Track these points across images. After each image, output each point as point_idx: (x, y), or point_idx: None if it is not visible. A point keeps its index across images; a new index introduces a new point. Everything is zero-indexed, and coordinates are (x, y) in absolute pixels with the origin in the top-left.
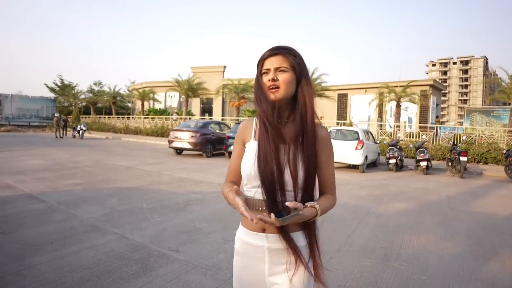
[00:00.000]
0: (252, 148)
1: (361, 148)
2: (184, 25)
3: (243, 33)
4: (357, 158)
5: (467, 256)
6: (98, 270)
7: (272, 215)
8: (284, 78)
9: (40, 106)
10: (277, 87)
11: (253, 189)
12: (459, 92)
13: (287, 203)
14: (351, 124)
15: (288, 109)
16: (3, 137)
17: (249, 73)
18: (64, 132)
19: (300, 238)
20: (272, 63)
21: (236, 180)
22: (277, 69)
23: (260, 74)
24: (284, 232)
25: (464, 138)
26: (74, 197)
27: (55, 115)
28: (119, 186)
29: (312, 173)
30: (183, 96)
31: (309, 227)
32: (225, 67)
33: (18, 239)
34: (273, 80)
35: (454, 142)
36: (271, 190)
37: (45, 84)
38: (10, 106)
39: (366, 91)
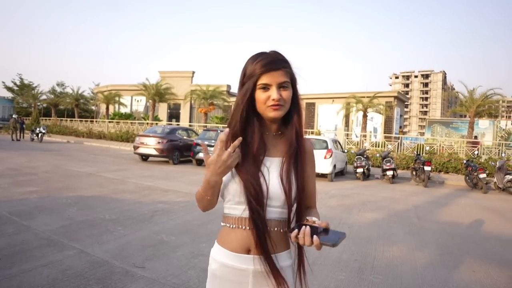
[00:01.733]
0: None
1: (330, 157)
2: (154, 29)
3: (212, 39)
4: (326, 167)
5: (438, 266)
6: None
7: (316, 237)
8: (286, 95)
9: None
10: (281, 105)
11: (239, 206)
12: (420, 104)
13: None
14: (319, 133)
15: (276, 122)
16: None
17: (218, 79)
18: (21, 134)
19: (286, 258)
20: (274, 79)
21: None
22: (279, 86)
23: (253, 87)
24: (266, 253)
25: (427, 148)
26: (29, 207)
27: (12, 116)
28: (79, 194)
29: (304, 188)
30: (150, 101)
31: (297, 245)
32: (193, 72)
33: None
34: (279, 99)
35: (418, 152)
36: (258, 206)
37: (3, 83)
38: None
39: (333, 100)
